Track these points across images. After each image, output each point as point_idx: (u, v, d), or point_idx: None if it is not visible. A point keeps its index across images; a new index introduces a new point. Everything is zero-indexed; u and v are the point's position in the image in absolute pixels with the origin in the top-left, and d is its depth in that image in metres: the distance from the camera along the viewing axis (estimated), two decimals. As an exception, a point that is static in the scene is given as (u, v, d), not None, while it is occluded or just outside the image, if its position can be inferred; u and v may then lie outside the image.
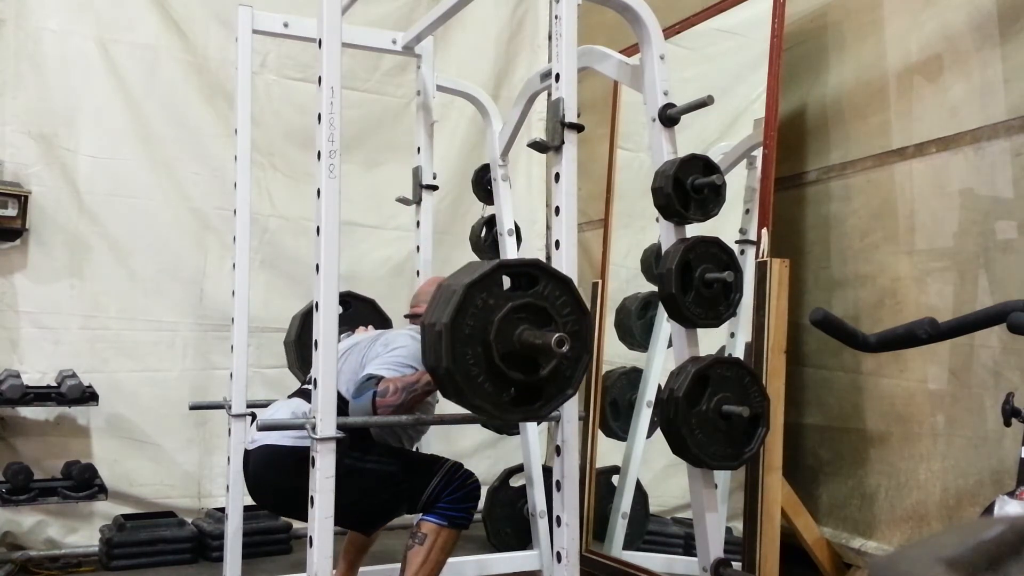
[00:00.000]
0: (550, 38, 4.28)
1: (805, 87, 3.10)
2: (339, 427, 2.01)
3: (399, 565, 2.39)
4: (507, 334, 1.81)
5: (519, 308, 1.84)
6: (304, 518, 2.26)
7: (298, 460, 2.17)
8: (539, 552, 3.08)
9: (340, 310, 3.03)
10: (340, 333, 2.32)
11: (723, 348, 3.00)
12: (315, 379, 2.01)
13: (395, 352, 2.41)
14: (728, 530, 2.71)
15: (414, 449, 2.70)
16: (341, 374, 2.32)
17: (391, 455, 2.47)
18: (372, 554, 2.83)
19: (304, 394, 2.46)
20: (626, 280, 3.57)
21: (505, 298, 1.85)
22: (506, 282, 1.90)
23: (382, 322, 3.17)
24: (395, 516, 2.52)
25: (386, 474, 2.37)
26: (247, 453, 2.46)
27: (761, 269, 2.67)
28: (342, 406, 2.16)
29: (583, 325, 1.92)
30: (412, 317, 2.69)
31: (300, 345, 3.04)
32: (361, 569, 2.76)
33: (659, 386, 3.06)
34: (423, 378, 2.25)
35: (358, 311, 3.12)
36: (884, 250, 2.76)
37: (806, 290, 3.01)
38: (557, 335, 1.76)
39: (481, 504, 3.66)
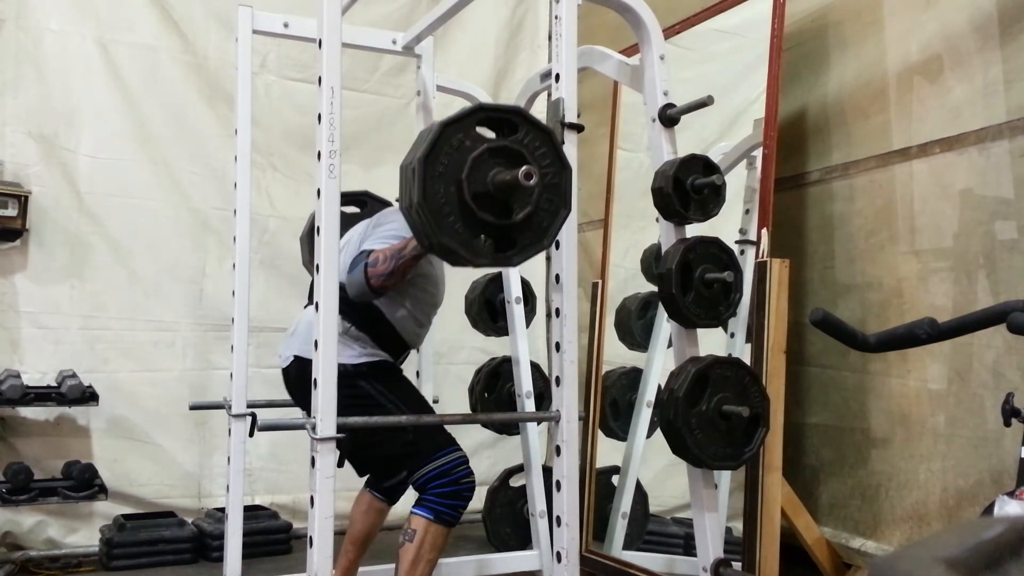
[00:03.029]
0: (550, 38, 4.28)
1: (805, 87, 3.09)
2: (340, 428, 2.00)
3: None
4: (481, 174, 1.81)
5: (496, 151, 1.83)
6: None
7: None
8: (539, 552, 3.08)
9: (356, 210, 3.04)
10: None
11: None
12: (315, 378, 2.01)
13: (387, 227, 2.47)
14: (728, 530, 2.70)
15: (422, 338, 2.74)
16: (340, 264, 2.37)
17: (412, 405, 2.48)
18: (374, 552, 2.83)
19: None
20: (626, 280, 3.57)
21: (482, 140, 1.84)
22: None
23: None
24: (395, 475, 2.54)
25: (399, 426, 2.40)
26: (284, 371, 2.62)
27: (761, 269, 2.67)
28: (342, 294, 2.14)
29: (563, 178, 1.91)
30: None
31: (313, 240, 3.03)
32: (361, 569, 2.76)
33: (659, 386, 3.06)
34: (410, 243, 2.30)
35: (374, 211, 3.11)
36: (890, 251, 2.75)
37: (811, 290, 3.00)
38: (525, 167, 1.76)
39: (481, 504, 3.67)
